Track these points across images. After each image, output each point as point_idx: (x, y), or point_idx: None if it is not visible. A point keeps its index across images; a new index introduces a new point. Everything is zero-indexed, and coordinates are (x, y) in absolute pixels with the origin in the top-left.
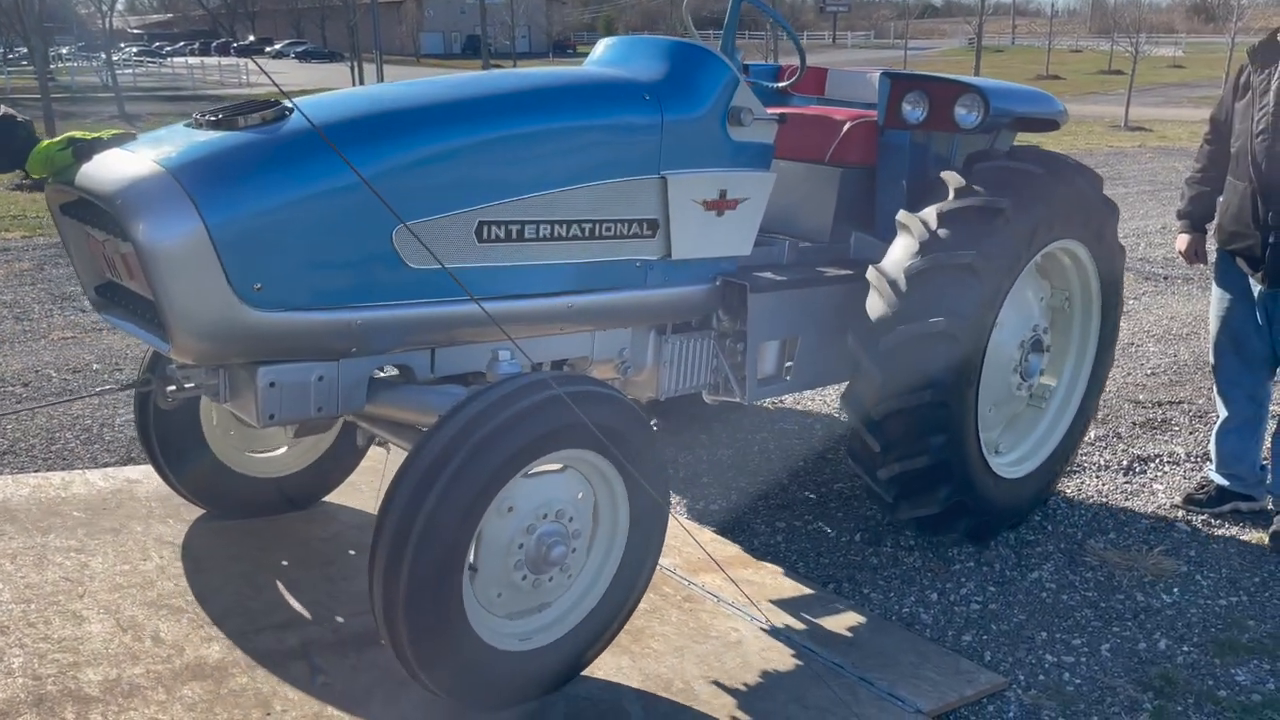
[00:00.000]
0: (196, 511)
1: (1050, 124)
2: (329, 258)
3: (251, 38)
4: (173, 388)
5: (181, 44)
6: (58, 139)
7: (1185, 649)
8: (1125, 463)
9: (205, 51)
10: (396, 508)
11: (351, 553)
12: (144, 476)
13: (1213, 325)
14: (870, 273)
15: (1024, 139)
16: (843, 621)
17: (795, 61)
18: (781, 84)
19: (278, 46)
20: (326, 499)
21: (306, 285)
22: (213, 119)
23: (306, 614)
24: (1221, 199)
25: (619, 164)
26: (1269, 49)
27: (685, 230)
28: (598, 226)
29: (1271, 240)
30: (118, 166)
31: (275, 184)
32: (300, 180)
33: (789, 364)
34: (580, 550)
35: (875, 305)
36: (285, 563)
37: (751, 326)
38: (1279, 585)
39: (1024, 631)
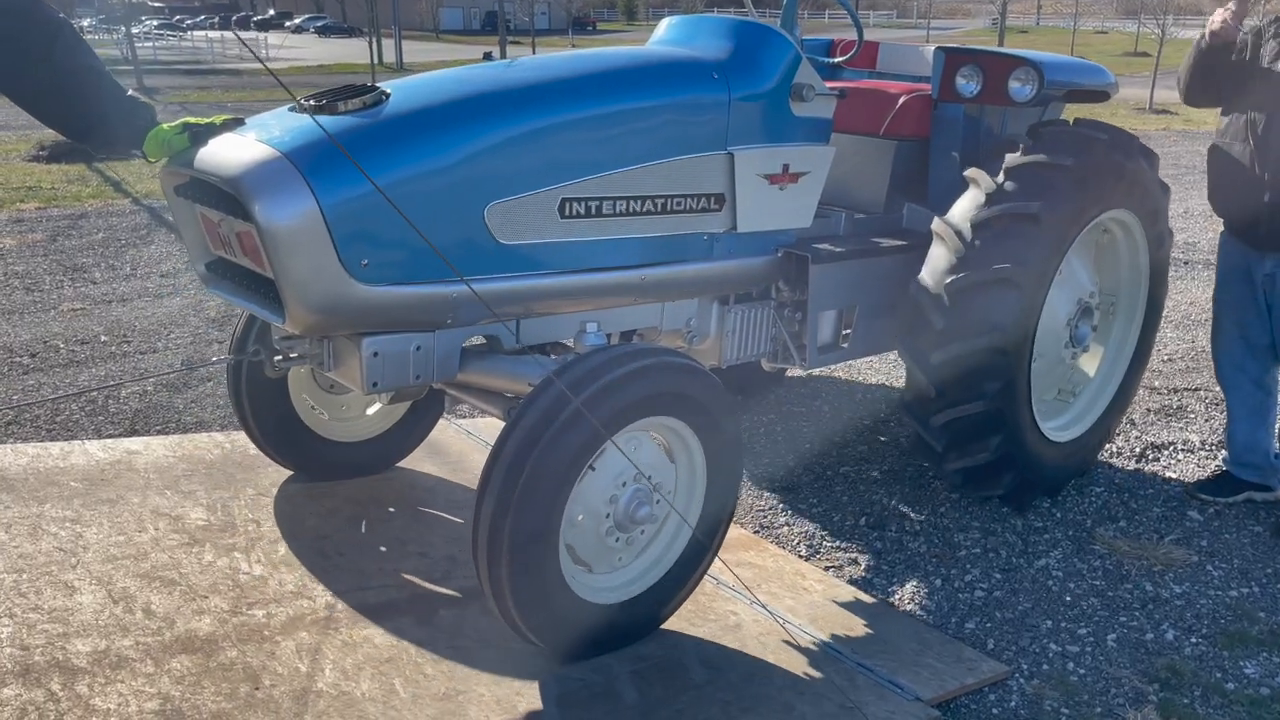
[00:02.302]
0: (196, 484)
1: (1102, 95)
2: (428, 233)
3: (271, 12)
4: (279, 357)
5: (202, 18)
6: (174, 124)
7: (1193, 640)
8: (1139, 450)
9: (225, 26)
10: (503, 464)
11: (349, 530)
12: (143, 448)
13: (1216, 312)
14: (935, 223)
15: (1074, 111)
16: (843, 607)
17: (844, 36)
18: (838, 59)
19: (297, 21)
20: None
21: (407, 261)
22: (316, 104)
23: (299, 591)
24: (1218, 167)
25: (690, 141)
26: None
27: (750, 204)
28: (669, 201)
29: (1267, 199)
30: (236, 151)
31: (379, 165)
32: (401, 161)
33: (846, 332)
34: (661, 511)
35: (939, 254)
36: (279, 539)
37: (812, 296)
38: None
39: (1028, 620)
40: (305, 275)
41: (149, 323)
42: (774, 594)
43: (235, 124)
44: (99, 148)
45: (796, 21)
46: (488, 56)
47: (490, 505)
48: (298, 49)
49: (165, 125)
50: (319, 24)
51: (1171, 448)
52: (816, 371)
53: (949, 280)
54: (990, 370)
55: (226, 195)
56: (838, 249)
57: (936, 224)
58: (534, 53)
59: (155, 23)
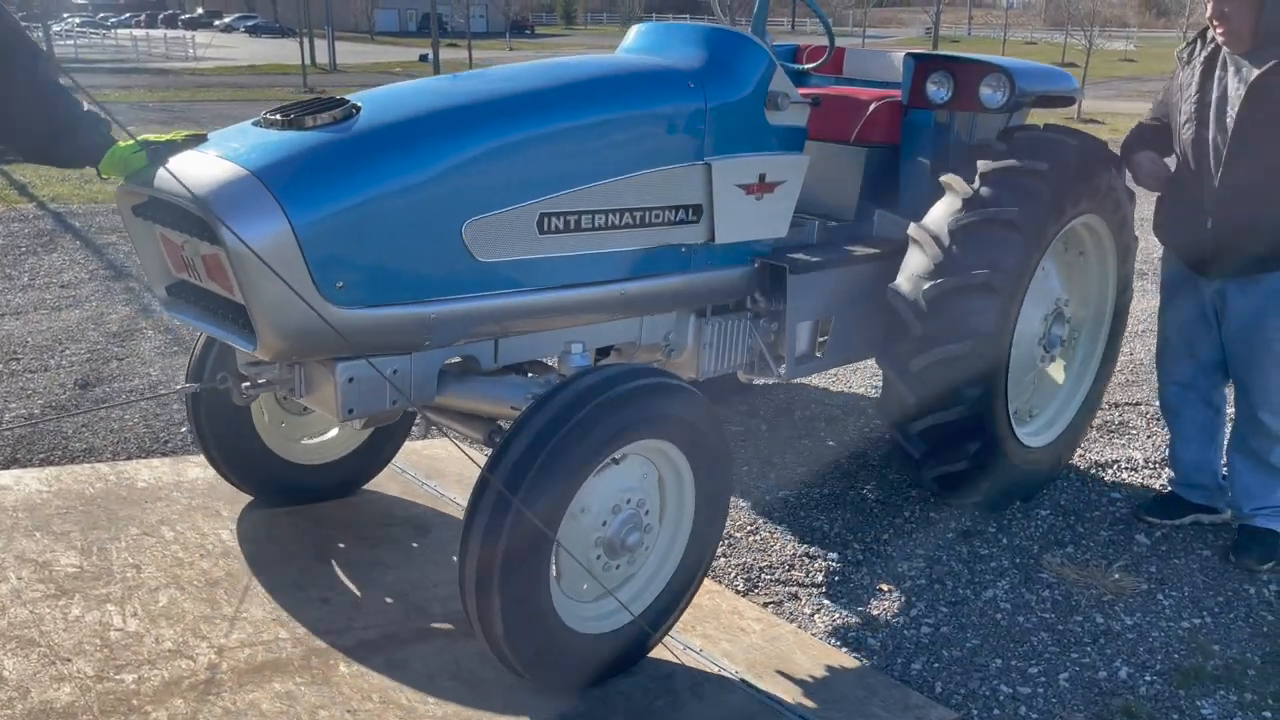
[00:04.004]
0: (70, 524)
1: (1068, 100)
2: (404, 254)
3: (200, 10)
4: (246, 384)
5: (127, 15)
6: (130, 142)
7: (1148, 678)
8: (1082, 468)
9: (152, 24)
10: (492, 492)
11: (243, 574)
12: (14, 483)
13: (1162, 330)
14: (912, 229)
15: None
16: (782, 649)
17: (809, 42)
18: (808, 65)
19: (227, 20)
20: (218, 530)
21: (384, 281)
22: (282, 119)
23: (179, 649)
24: (1161, 196)
25: (668, 152)
26: (1189, 47)
27: (728, 214)
28: (648, 214)
29: (1210, 226)
30: (201, 169)
31: (354, 183)
32: (376, 178)
33: (822, 341)
34: (650, 535)
35: (917, 260)
36: (161, 587)
37: (790, 307)
38: (1242, 605)
39: (977, 659)
40: (278, 299)
41: (43, 338)
42: (709, 636)
43: (197, 140)
44: (56, 165)
45: (766, 28)
46: (423, 59)
47: (480, 532)
48: (228, 48)
49: (122, 143)
50: (249, 23)
51: (1115, 466)
52: (757, 384)
53: (927, 286)
54: (970, 376)
55: (190, 216)
56: (814, 259)
57: (913, 230)
58: (470, 56)
59: (78, 20)
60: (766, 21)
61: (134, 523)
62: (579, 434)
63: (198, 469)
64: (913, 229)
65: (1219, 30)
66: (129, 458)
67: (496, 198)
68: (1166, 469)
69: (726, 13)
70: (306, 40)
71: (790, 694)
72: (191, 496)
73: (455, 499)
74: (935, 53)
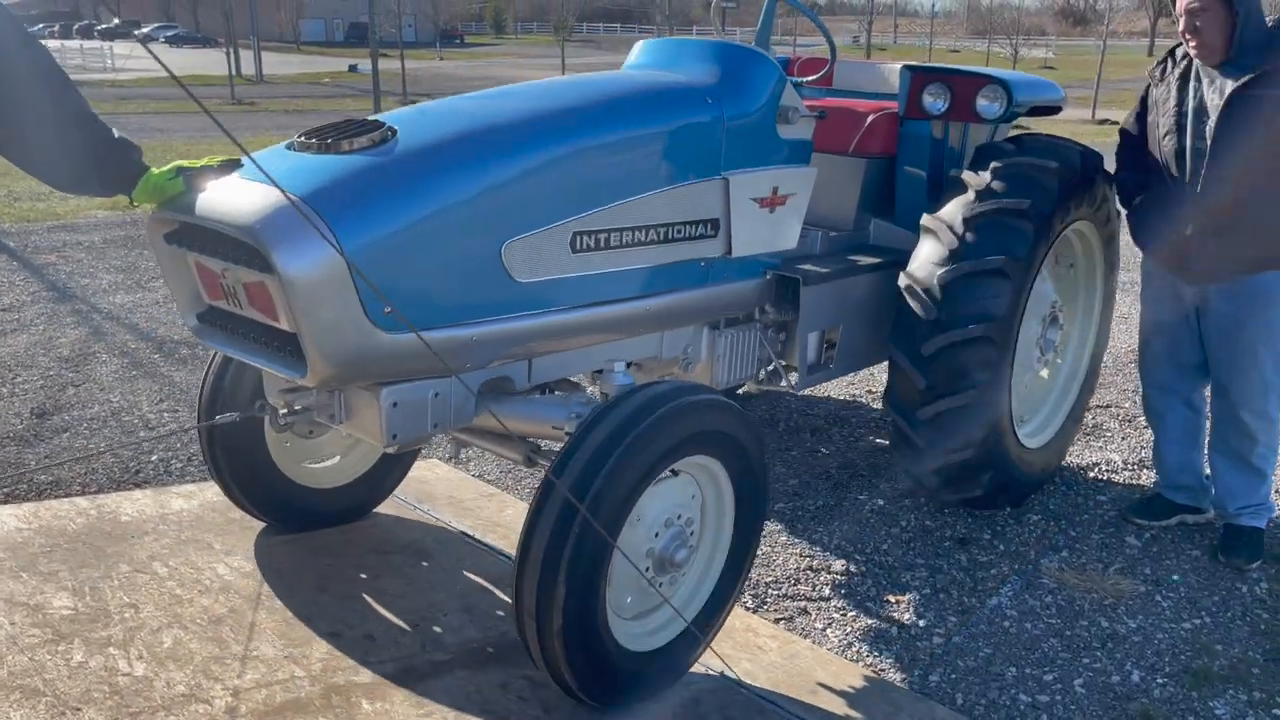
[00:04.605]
0: (58, 563)
1: (1056, 109)
2: (447, 276)
3: (116, 20)
4: (284, 411)
5: (40, 26)
6: (165, 168)
7: (1159, 680)
8: (1066, 473)
9: (66, 34)
10: (550, 514)
11: (246, 609)
12: None
13: (1144, 334)
14: (926, 219)
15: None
16: (802, 666)
17: (801, 53)
18: (808, 78)
19: (145, 30)
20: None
21: (429, 305)
22: (318, 143)
23: (193, 692)
24: (1142, 203)
25: (690, 167)
26: (1160, 66)
27: (744, 228)
28: (670, 229)
29: (1189, 232)
30: (247, 197)
31: (399, 207)
32: (420, 202)
33: (830, 351)
34: (694, 553)
35: (931, 248)
36: (164, 627)
37: (803, 317)
38: (1238, 604)
39: (992, 668)
40: (329, 326)
41: None
42: (729, 656)
43: (232, 166)
44: (89, 194)
45: (770, 42)
46: (353, 69)
47: (538, 554)
48: (148, 59)
49: (156, 170)
50: (170, 33)
51: (1097, 468)
52: (752, 394)
53: (941, 272)
54: (980, 360)
55: (231, 243)
56: (824, 269)
57: (928, 220)
58: (403, 67)
59: None
60: (770, 35)
61: (124, 559)
62: (642, 445)
63: (181, 500)
64: (927, 219)
65: (1192, 44)
66: (99, 490)
67: (533, 218)
68: (1146, 470)
69: (670, 20)
70: (231, 50)
71: (818, 714)
72: (179, 529)
73: (449, 522)
74: (931, 65)
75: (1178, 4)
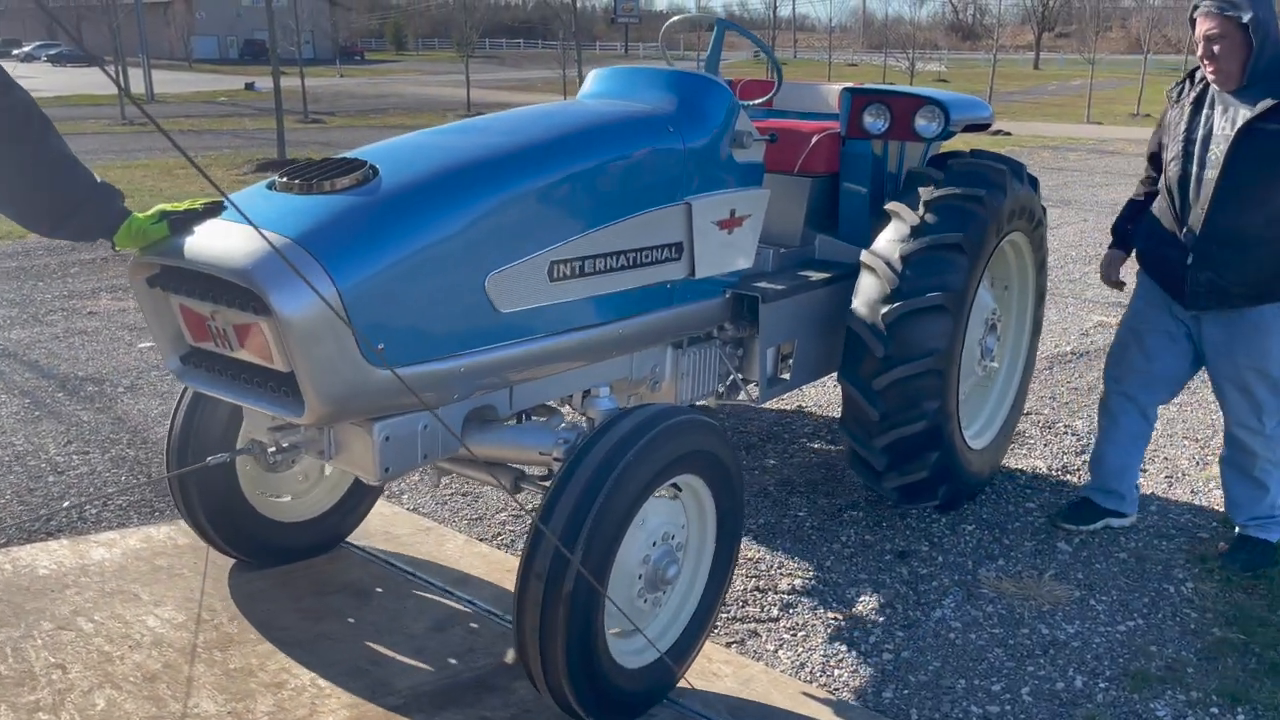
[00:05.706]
0: None
1: (986, 126)
2: (435, 311)
3: None
4: (272, 449)
5: None
6: (149, 213)
7: (1101, 684)
8: (995, 481)
9: None
10: (551, 536)
11: (180, 664)
12: None
13: (1123, 338)
14: (865, 256)
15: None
16: (758, 690)
17: (740, 77)
18: (757, 100)
19: (27, 49)
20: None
21: (420, 339)
22: (301, 183)
23: None
24: (1146, 224)
25: (656, 194)
26: (1179, 87)
27: (706, 250)
28: (640, 254)
29: (1189, 262)
30: (237, 240)
31: (388, 245)
32: (408, 239)
33: (786, 363)
34: (680, 568)
35: (871, 285)
36: (94, 688)
37: (762, 333)
38: (1168, 605)
39: (942, 681)
40: (326, 365)
41: None
42: (682, 683)
43: (216, 208)
44: (70, 239)
45: (719, 69)
46: (249, 87)
47: (539, 578)
48: (30, 79)
49: (140, 215)
50: (52, 51)
51: (1023, 475)
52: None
53: (885, 310)
54: (929, 391)
55: (220, 285)
56: (779, 286)
57: (866, 256)
58: (303, 84)
59: None
60: (719, 62)
61: (45, 616)
62: (627, 478)
63: (102, 549)
64: (865, 255)
65: (1210, 70)
66: (9, 543)
67: (514, 250)
68: (1070, 475)
69: (573, 36)
70: (119, 69)
71: None
72: (102, 580)
73: (388, 560)
74: (870, 86)
75: (1196, 29)
